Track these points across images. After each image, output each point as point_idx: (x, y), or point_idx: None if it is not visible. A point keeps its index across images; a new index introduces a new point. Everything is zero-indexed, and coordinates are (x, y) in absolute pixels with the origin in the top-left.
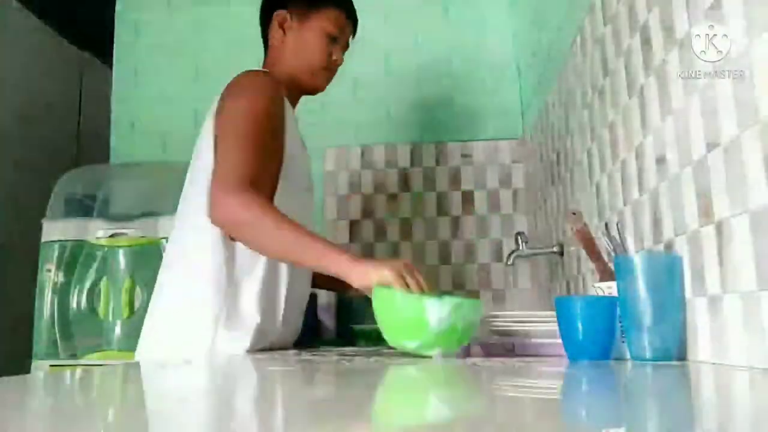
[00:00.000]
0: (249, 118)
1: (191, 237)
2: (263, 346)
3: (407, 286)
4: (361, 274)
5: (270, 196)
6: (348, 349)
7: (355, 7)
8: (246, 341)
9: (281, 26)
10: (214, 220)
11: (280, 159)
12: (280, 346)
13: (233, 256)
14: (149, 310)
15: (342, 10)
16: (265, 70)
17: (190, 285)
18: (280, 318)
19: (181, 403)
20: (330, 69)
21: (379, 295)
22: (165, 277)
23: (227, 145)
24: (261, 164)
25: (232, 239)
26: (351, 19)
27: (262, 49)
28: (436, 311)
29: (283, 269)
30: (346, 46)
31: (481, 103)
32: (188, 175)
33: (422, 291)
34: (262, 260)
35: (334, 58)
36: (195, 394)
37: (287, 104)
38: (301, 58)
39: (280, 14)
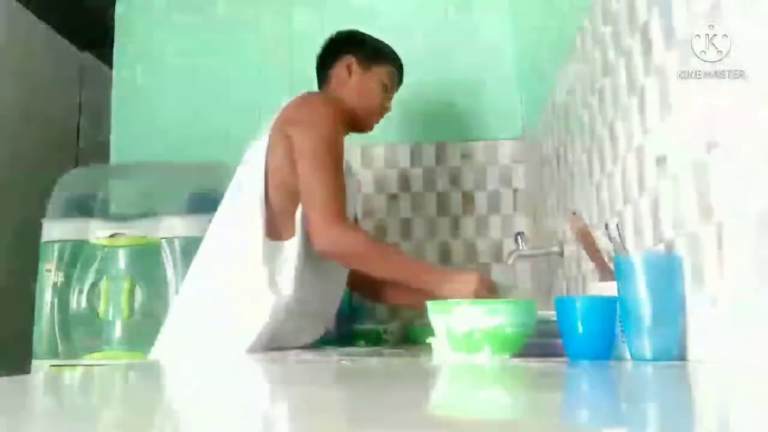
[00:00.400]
0: (333, 148)
1: (233, 247)
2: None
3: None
4: (452, 291)
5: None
6: (348, 349)
7: (355, 7)
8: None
9: (348, 68)
10: (321, 248)
11: None
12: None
13: (272, 270)
14: (180, 309)
15: (397, 69)
16: (330, 96)
17: (226, 293)
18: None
19: (182, 402)
20: (381, 114)
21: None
22: (199, 281)
23: (320, 175)
24: (345, 194)
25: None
26: (401, 75)
27: (262, 49)
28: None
29: (314, 285)
30: (393, 95)
31: (481, 103)
32: (235, 185)
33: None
34: (294, 278)
35: (386, 105)
36: (196, 394)
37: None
38: (362, 100)
39: (349, 59)
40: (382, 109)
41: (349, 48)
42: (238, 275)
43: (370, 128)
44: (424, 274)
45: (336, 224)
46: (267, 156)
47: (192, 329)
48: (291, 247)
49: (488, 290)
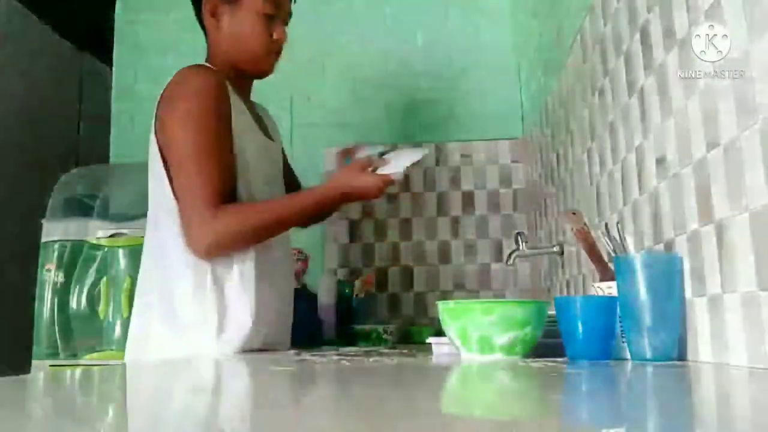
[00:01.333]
0: (194, 131)
1: (169, 248)
2: (255, 345)
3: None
4: (364, 191)
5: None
6: (348, 349)
7: (355, 7)
8: (237, 342)
9: (213, 14)
10: (202, 256)
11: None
12: (274, 344)
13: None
14: (135, 311)
15: None
16: (203, 63)
17: (173, 290)
18: (269, 314)
19: (183, 403)
20: (272, 51)
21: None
22: (147, 282)
23: (184, 171)
24: (220, 175)
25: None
26: None
27: None
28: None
29: (260, 266)
30: (287, 18)
31: (481, 103)
32: (150, 182)
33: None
34: (235, 260)
35: (275, 37)
36: (197, 394)
37: (233, 96)
38: (240, 46)
39: (210, 2)
40: (270, 45)
41: None
42: (180, 284)
43: (269, 72)
44: (309, 201)
45: (207, 221)
46: (159, 152)
47: (163, 330)
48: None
49: (364, 169)
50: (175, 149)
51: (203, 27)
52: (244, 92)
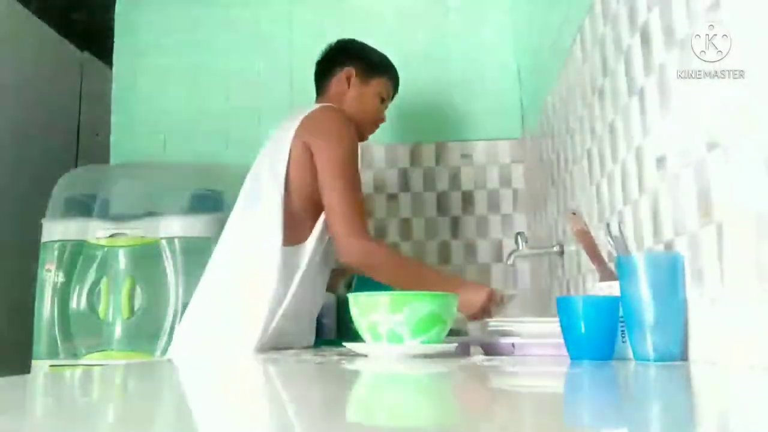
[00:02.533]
0: (354, 163)
1: (251, 251)
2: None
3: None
4: (461, 302)
5: None
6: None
7: (355, 7)
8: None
9: (347, 80)
10: (349, 260)
11: None
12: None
13: (283, 275)
14: (193, 311)
15: (393, 82)
16: (340, 108)
17: (240, 293)
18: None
19: (184, 402)
20: (377, 125)
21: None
22: (215, 283)
23: (343, 191)
24: (364, 207)
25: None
26: (397, 86)
27: (262, 49)
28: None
29: (314, 289)
30: (387, 106)
31: (481, 103)
32: (250, 188)
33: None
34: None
35: (381, 116)
36: (199, 394)
37: None
38: (360, 110)
39: (348, 70)
40: (378, 120)
41: (349, 58)
42: (252, 281)
43: (365, 139)
44: (440, 285)
45: (361, 237)
46: (288, 164)
47: (204, 331)
48: (303, 251)
49: (496, 304)
50: (334, 176)
51: (324, 83)
52: None
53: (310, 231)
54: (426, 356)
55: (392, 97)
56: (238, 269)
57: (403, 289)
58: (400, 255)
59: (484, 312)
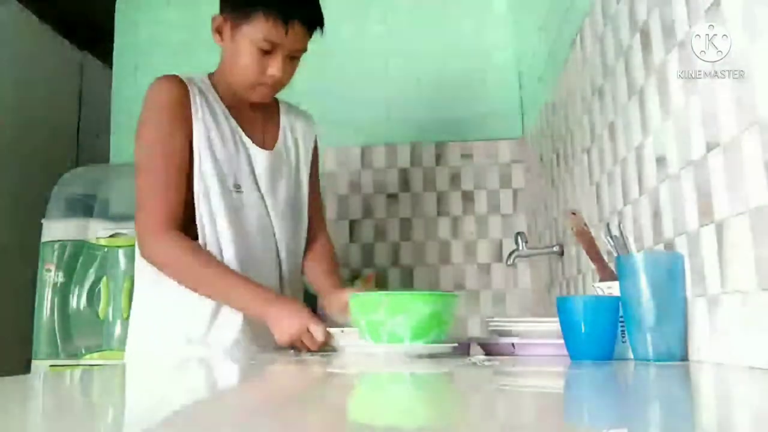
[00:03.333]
0: (151, 147)
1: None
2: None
3: (302, 343)
4: (272, 329)
5: (191, 223)
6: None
7: (354, 7)
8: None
9: (217, 31)
10: (146, 259)
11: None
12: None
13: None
14: (136, 306)
15: (274, 18)
16: (173, 74)
17: (168, 288)
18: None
19: (185, 403)
20: (265, 84)
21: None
22: (145, 281)
23: (141, 183)
24: (174, 194)
25: None
26: (290, 21)
27: None
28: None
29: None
30: (297, 53)
31: (481, 103)
32: None
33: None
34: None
35: (269, 73)
36: (200, 394)
37: (208, 105)
38: (234, 72)
39: (216, 19)
40: (262, 78)
41: (222, 5)
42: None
43: (255, 101)
44: (248, 298)
45: (154, 235)
46: None
47: (159, 330)
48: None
49: (309, 338)
50: (136, 166)
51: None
52: (240, 106)
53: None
54: (426, 356)
55: (296, 40)
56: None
57: (197, 291)
58: (199, 258)
59: (293, 341)
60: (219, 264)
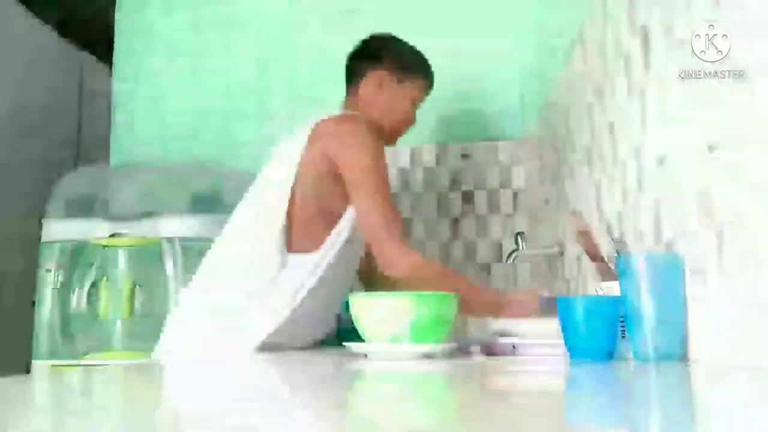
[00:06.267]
0: (384, 174)
1: (248, 253)
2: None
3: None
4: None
5: None
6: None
7: (353, 7)
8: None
9: (379, 82)
10: (392, 272)
11: None
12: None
13: (283, 281)
14: (186, 307)
15: (429, 80)
16: (364, 115)
17: (236, 297)
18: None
19: (183, 402)
20: (407, 126)
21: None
22: (210, 281)
23: (379, 203)
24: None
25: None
26: (431, 87)
27: (262, 49)
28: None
29: (321, 296)
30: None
31: (481, 103)
32: (256, 192)
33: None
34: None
35: (412, 119)
36: (200, 395)
37: None
38: (391, 115)
39: (380, 73)
40: (408, 123)
41: (382, 58)
42: (248, 281)
43: (395, 143)
44: (485, 296)
45: (404, 248)
46: (298, 171)
47: (198, 329)
48: (314, 260)
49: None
50: (367, 186)
51: (355, 82)
52: None
53: (322, 241)
54: (426, 356)
55: (424, 99)
56: (235, 271)
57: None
58: (444, 267)
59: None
60: (462, 275)
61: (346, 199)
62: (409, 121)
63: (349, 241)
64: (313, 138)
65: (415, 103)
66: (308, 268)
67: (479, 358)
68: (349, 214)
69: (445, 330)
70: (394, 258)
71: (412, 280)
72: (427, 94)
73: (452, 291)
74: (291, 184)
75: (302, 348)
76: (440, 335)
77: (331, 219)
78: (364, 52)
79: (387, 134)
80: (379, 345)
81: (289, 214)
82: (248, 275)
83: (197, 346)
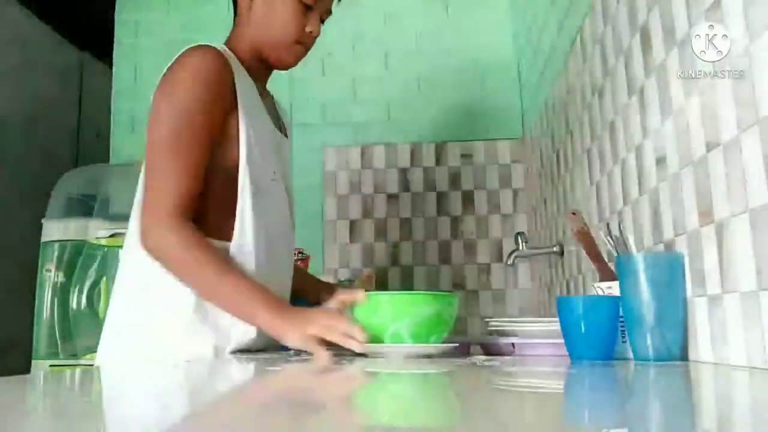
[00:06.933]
0: (178, 122)
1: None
2: (239, 347)
3: (330, 344)
4: (281, 336)
5: (210, 209)
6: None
7: (355, 6)
8: (215, 341)
9: None
10: (145, 248)
11: (228, 151)
12: (262, 346)
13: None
14: (112, 309)
15: None
16: (210, 45)
17: (158, 288)
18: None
19: (184, 403)
20: (303, 43)
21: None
22: (125, 279)
23: (155, 163)
24: (194, 180)
25: None
26: None
27: None
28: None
29: (254, 273)
30: (326, 14)
31: (481, 103)
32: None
33: (344, 347)
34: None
35: (308, 30)
36: (198, 395)
37: (245, 81)
38: (270, 30)
39: None
40: (302, 36)
41: None
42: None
43: (292, 65)
44: (243, 303)
45: (159, 224)
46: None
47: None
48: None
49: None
50: (150, 139)
51: (235, 3)
52: (260, 81)
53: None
54: (427, 357)
55: (328, 3)
56: (143, 272)
57: (197, 292)
58: (205, 258)
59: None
60: (226, 266)
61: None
62: (299, 32)
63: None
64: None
65: (305, 5)
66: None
67: (479, 358)
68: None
69: (445, 330)
70: (146, 228)
71: (155, 258)
72: None
73: (197, 283)
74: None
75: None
76: (440, 335)
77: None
78: None
79: (274, 55)
80: (379, 345)
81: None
82: (153, 281)
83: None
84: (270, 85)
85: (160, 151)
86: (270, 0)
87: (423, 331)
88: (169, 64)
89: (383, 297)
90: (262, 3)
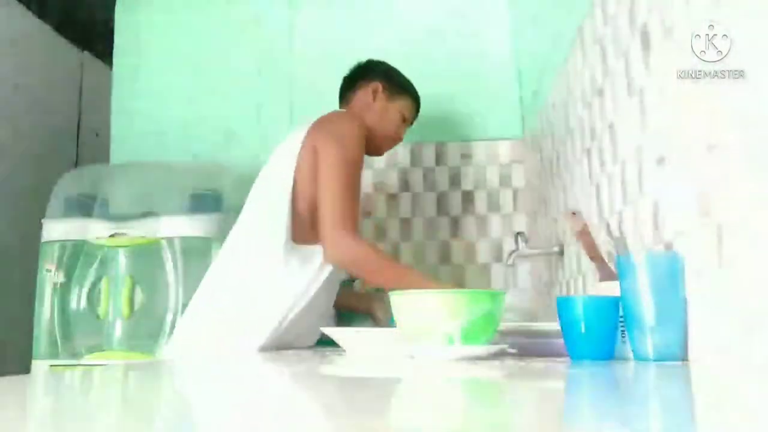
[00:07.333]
0: (354, 165)
1: (254, 250)
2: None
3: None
4: None
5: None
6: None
7: (355, 6)
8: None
9: (374, 92)
10: (333, 257)
11: None
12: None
13: (293, 272)
14: (195, 307)
15: (417, 104)
16: (357, 116)
17: (245, 292)
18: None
19: (184, 402)
20: (395, 142)
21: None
22: (218, 279)
23: (337, 192)
24: (358, 211)
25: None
26: (417, 114)
27: (262, 49)
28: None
29: (328, 290)
30: (410, 126)
31: (481, 103)
32: (259, 189)
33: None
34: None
35: (401, 135)
36: (198, 393)
37: None
38: (382, 125)
39: (376, 85)
40: (397, 138)
41: (377, 75)
42: (257, 276)
43: (382, 153)
44: (431, 286)
45: (346, 236)
46: (296, 165)
47: (206, 327)
48: (317, 253)
49: None
50: (331, 178)
51: (350, 94)
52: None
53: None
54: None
55: (411, 123)
56: (241, 266)
57: (389, 286)
58: (386, 257)
59: None
60: (405, 266)
61: None
62: (398, 135)
63: None
64: (308, 134)
65: (404, 120)
66: (315, 263)
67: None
68: None
69: (493, 330)
70: (337, 240)
71: (348, 267)
72: (414, 117)
73: (395, 283)
74: (291, 181)
75: (310, 347)
76: (490, 336)
77: None
78: (361, 70)
79: (376, 142)
80: (427, 346)
81: (293, 210)
82: (254, 275)
83: (203, 347)
84: (272, 85)
85: (343, 180)
86: (386, 110)
87: (474, 329)
88: (335, 118)
89: (429, 293)
90: (382, 107)
